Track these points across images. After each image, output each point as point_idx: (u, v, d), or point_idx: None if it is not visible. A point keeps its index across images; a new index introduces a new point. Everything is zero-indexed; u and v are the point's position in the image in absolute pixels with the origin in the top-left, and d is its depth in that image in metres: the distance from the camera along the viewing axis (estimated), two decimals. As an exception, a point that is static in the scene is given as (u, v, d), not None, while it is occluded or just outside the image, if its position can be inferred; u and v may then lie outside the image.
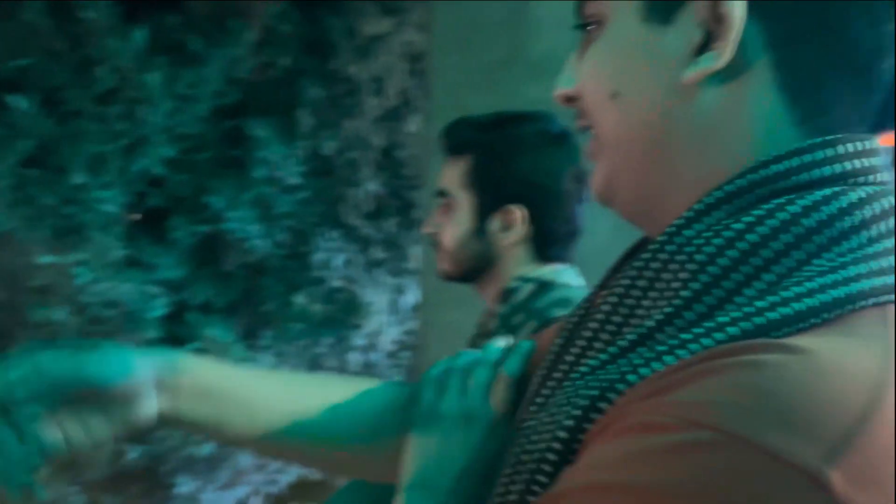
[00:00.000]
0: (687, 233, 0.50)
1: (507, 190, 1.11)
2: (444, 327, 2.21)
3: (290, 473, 6.03)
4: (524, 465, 0.51)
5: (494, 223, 1.13)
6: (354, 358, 5.30)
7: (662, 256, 0.50)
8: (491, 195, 1.11)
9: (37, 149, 3.98)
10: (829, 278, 0.45)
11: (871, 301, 0.45)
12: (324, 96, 5.36)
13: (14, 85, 4.12)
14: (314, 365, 5.15)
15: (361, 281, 5.32)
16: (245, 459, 5.46)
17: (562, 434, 0.49)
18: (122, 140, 4.30)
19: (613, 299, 0.52)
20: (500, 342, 0.79)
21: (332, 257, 5.19)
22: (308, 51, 5.46)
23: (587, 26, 0.58)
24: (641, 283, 0.50)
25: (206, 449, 5.01)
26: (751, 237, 0.47)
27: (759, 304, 0.45)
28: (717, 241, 0.48)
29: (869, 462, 0.36)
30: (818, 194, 0.48)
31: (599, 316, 0.53)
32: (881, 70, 0.50)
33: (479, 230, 1.14)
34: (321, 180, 5.25)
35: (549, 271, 1.13)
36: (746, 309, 0.45)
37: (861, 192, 0.48)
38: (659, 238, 0.52)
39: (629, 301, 0.51)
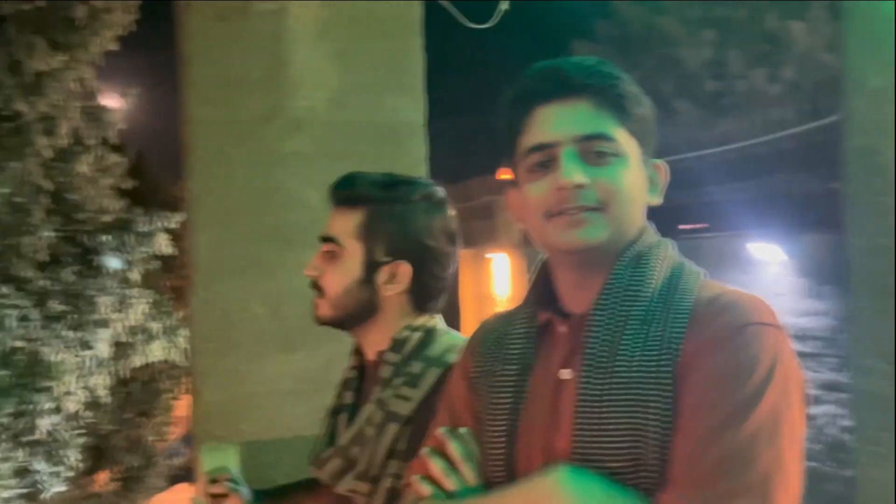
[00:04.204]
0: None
1: (398, 245, 1.17)
2: (217, 374, 2.30)
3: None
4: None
5: (382, 275, 1.16)
6: (42, 424, 4.76)
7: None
8: (382, 248, 1.17)
9: None
10: None
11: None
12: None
13: None
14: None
15: (42, 339, 4.81)
16: None
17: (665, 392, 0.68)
18: None
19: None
20: None
21: (6, 315, 4.62)
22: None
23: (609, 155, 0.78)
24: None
25: None
26: None
27: None
28: None
29: None
30: None
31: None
32: None
33: (366, 280, 1.17)
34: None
35: (431, 321, 1.20)
36: None
37: None
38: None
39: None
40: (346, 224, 1.19)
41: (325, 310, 1.20)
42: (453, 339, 1.16)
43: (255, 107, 2.37)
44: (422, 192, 1.20)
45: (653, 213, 0.81)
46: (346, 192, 1.21)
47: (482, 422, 0.84)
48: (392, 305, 1.18)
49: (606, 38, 17.11)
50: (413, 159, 2.45)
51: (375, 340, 1.20)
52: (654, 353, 0.70)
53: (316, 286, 1.20)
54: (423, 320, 1.20)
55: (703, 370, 0.68)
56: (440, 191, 1.23)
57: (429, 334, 1.18)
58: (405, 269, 1.16)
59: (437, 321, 1.23)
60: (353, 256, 1.18)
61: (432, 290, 1.29)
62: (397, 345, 1.16)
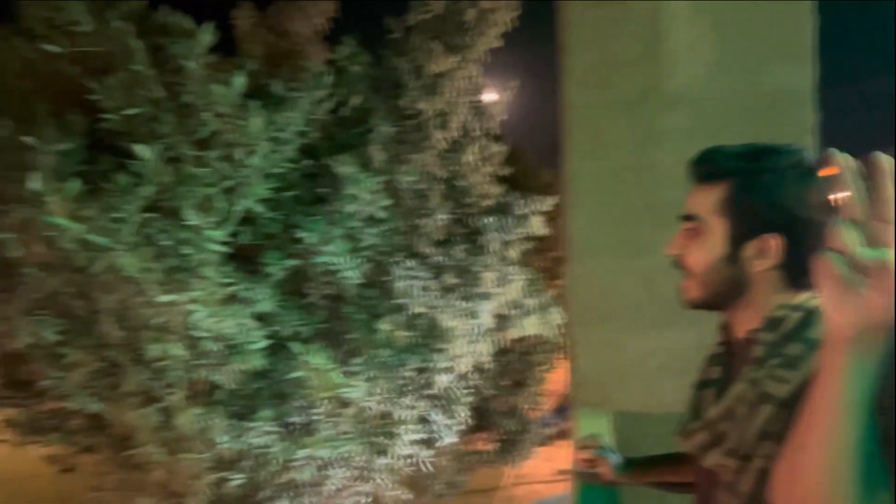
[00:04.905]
0: None
1: (765, 218, 1.11)
2: (592, 345, 2.39)
3: (367, 498, 6.22)
4: None
5: (748, 250, 1.11)
6: (439, 381, 5.49)
7: None
8: (747, 223, 1.12)
9: (156, 193, 4.24)
10: None
11: None
12: (394, 132, 5.63)
13: (130, 134, 4.41)
14: (402, 388, 5.36)
15: (438, 307, 5.54)
16: (331, 485, 5.65)
17: None
18: (224, 182, 4.56)
19: None
20: None
21: (411, 285, 5.42)
22: (377, 89, 5.76)
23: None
24: None
25: (301, 476, 5.21)
26: None
27: None
28: None
29: None
30: None
31: None
32: None
33: (732, 256, 1.13)
34: (397, 212, 5.50)
35: (812, 300, 1.11)
36: None
37: None
38: None
39: None
40: (708, 200, 1.15)
41: (694, 291, 1.18)
42: None
43: (630, 87, 2.42)
44: (790, 160, 1.11)
45: None
46: (707, 166, 1.17)
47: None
48: (762, 282, 1.13)
49: None
50: (798, 129, 2.27)
51: (745, 318, 1.16)
52: None
53: (680, 265, 1.20)
54: (802, 299, 1.12)
55: None
56: (811, 156, 1.11)
57: (810, 315, 1.09)
58: (775, 244, 1.10)
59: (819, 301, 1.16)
60: (717, 233, 1.14)
61: (806, 264, 1.20)
62: (773, 324, 1.10)
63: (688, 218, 1.18)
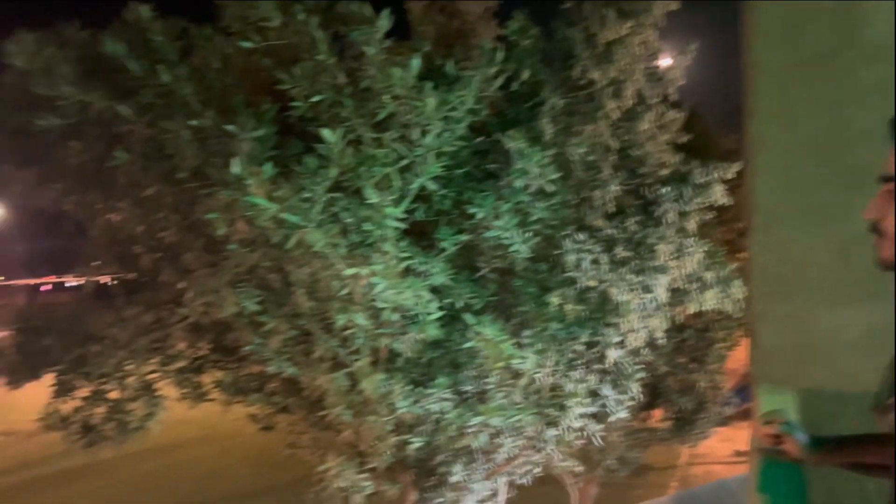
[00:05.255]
0: None
1: None
2: (777, 320, 2.26)
3: (538, 467, 6.31)
4: None
5: None
6: (610, 355, 5.43)
7: None
8: None
9: (340, 174, 4.53)
10: None
11: None
12: (565, 104, 5.58)
13: (316, 119, 4.74)
14: (572, 361, 5.36)
15: (610, 280, 5.45)
16: (500, 455, 5.80)
17: None
18: (401, 161, 4.77)
19: None
20: None
21: (581, 259, 5.37)
22: (548, 62, 5.72)
23: None
24: None
25: (475, 442, 5.39)
26: None
27: None
28: None
29: None
30: None
31: None
32: None
33: None
34: (568, 185, 5.46)
35: None
36: None
37: None
38: None
39: None
40: (908, 161, 1.09)
41: (888, 251, 1.12)
42: None
43: (822, 42, 2.24)
44: None
45: None
46: (905, 125, 1.10)
47: None
48: None
49: None
50: None
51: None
52: None
53: (876, 229, 1.13)
54: None
55: None
56: None
57: None
58: None
59: None
60: (919, 195, 1.07)
61: None
62: None
63: (887, 179, 1.11)
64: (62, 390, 6.40)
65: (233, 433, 16.08)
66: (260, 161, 4.46)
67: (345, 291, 4.70)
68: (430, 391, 5.14)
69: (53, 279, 48.67)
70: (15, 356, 6.41)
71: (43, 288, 48.50)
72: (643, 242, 5.69)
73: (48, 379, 6.41)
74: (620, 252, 5.64)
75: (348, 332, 4.90)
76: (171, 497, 13.01)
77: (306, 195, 4.45)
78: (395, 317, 4.94)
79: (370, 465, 5.55)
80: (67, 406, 6.41)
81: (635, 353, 5.90)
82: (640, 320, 5.61)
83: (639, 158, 6.03)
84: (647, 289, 5.61)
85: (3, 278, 36.69)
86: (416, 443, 5.25)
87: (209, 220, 4.83)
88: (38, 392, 6.45)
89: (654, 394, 8.24)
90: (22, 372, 6.37)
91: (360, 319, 4.76)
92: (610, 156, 5.85)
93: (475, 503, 5.96)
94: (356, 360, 5.10)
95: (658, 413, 8.95)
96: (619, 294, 5.45)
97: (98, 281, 7.29)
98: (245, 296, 4.98)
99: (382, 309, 4.81)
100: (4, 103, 5.67)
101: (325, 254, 4.58)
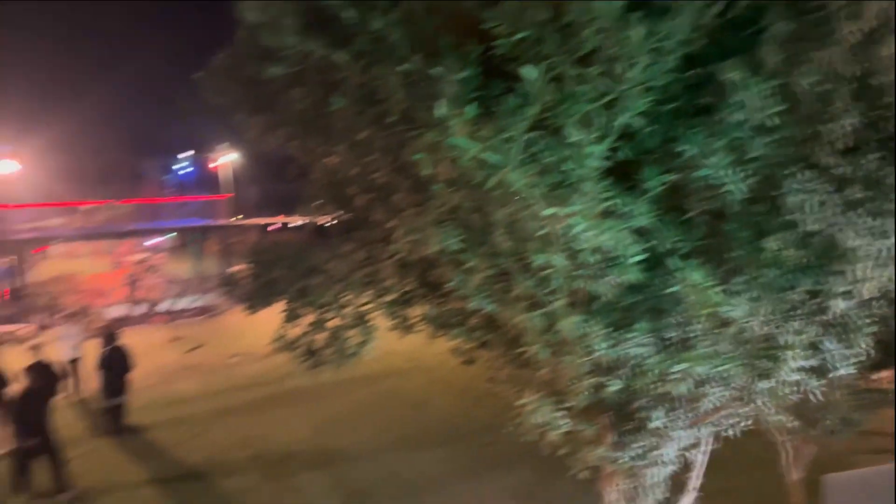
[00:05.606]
0: None
1: None
2: None
3: (746, 420, 5.97)
4: None
5: None
6: (834, 306, 4.95)
7: None
8: None
9: (540, 113, 4.48)
10: None
11: None
12: (792, 29, 5.03)
13: (517, 58, 4.71)
14: (790, 311, 4.97)
15: (839, 224, 4.92)
16: (707, 403, 5.56)
17: None
18: (605, 97, 4.60)
19: None
20: None
21: (806, 200, 4.89)
22: (772, -17, 5.18)
23: None
24: None
25: (677, 390, 5.22)
26: None
27: None
28: None
29: None
30: None
31: None
32: None
33: None
34: (793, 119, 4.96)
35: None
36: None
37: None
38: None
39: None
40: None
41: None
42: None
43: None
44: None
45: None
46: None
47: None
48: None
49: None
50: None
51: None
52: None
53: None
54: None
55: None
56: None
57: None
58: None
59: None
60: None
61: None
62: None
63: None
64: (290, 317, 7.13)
65: (436, 366, 17.05)
66: (463, 102, 4.53)
67: (543, 232, 4.70)
68: (629, 335, 5.04)
69: (281, 219, 53.95)
70: (251, 286, 7.22)
71: (270, 227, 53.99)
72: (882, 182, 5.05)
73: (278, 307, 7.16)
74: (854, 193, 5.06)
75: (546, 272, 4.92)
76: (379, 424, 14.13)
77: (507, 135, 4.47)
78: (594, 259, 4.86)
79: (567, 405, 5.61)
80: (294, 331, 7.13)
81: (865, 304, 5.33)
82: (873, 269, 5.03)
83: (880, 88, 5.29)
84: (883, 234, 5.01)
85: (241, 217, 41.24)
86: (614, 385, 5.20)
87: (416, 162, 5.03)
88: (268, 319, 7.23)
89: (887, 352, 7.42)
90: (257, 299, 7.18)
91: (558, 260, 4.75)
92: (844, 86, 5.21)
93: (676, 451, 5.82)
94: (553, 300, 5.11)
95: (888, 374, 8.08)
96: (848, 239, 4.92)
97: (318, 220, 7.95)
98: (448, 234, 5.17)
99: (581, 250, 4.76)
100: (238, 56, 6.26)
101: (524, 194, 4.59)
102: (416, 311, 7.18)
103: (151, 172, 62.84)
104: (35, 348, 14.15)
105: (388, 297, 7.08)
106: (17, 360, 14.00)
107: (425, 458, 12.09)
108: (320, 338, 7.14)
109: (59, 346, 16.72)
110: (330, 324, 7.17)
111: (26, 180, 37.56)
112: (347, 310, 7.15)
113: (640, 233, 5.04)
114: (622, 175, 5.11)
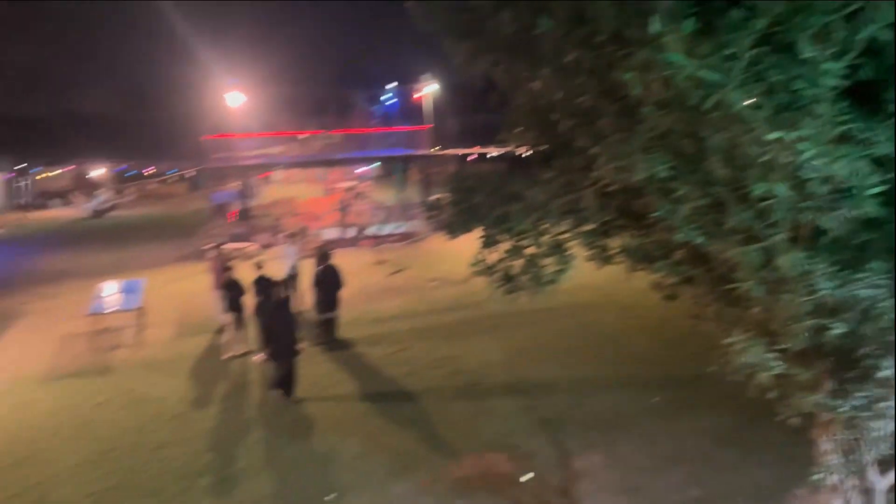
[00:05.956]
0: None
1: None
2: None
3: None
4: None
5: None
6: None
7: None
8: None
9: (769, 27, 4.07)
10: None
11: None
12: None
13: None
14: None
15: None
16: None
17: None
18: (846, 8, 4.07)
19: None
20: None
21: None
22: None
23: None
24: None
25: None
26: None
27: None
28: None
29: None
30: None
31: None
32: None
33: None
34: None
35: None
36: None
37: None
38: None
39: None
40: None
41: None
42: None
43: None
44: None
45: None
46: None
47: None
48: None
49: None
50: None
51: None
52: None
53: None
54: None
55: None
56: None
57: None
58: None
59: None
60: None
61: None
62: None
63: None
64: (487, 243, 7.27)
65: (632, 303, 16.70)
66: (680, 17, 4.23)
67: (766, 158, 4.33)
68: (860, 275, 4.56)
69: (477, 150, 54.70)
70: (451, 212, 7.43)
71: (469, 158, 54.98)
72: None
73: (476, 234, 7.33)
74: None
75: (766, 203, 4.55)
76: (573, 356, 14.20)
77: (729, 51, 4.12)
78: (825, 189, 4.41)
79: (781, 346, 5.25)
80: (492, 257, 7.28)
81: None
82: None
83: None
84: None
85: (439, 147, 42.44)
86: (838, 329, 4.77)
87: (624, 85, 4.81)
88: (467, 246, 7.42)
89: None
90: (457, 225, 7.38)
91: (782, 190, 4.36)
92: None
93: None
94: (773, 234, 4.74)
95: None
96: None
97: (516, 150, 7.94)
98: (656, 160, 4.93)
99: (809, 179, 4.33)
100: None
101: (746, 116, 4.23)
102: (615, 242, 7.01)
103: (360, 103, 66.38)
104: (259, 265, 15.78)
105: (587, 227, 6.96)
106: (244, 275, 15.74)
107: (618, 394, 12.01)
108: (517, 264, 7.22)
109: (279, 264, 18.50)
110: (527, 251, 7.22)
111: (250, 111, 41.31)
112: (545, 238, 7.14)
113: (880, 162, 4.48)
114: (863, 96, 4.54)
